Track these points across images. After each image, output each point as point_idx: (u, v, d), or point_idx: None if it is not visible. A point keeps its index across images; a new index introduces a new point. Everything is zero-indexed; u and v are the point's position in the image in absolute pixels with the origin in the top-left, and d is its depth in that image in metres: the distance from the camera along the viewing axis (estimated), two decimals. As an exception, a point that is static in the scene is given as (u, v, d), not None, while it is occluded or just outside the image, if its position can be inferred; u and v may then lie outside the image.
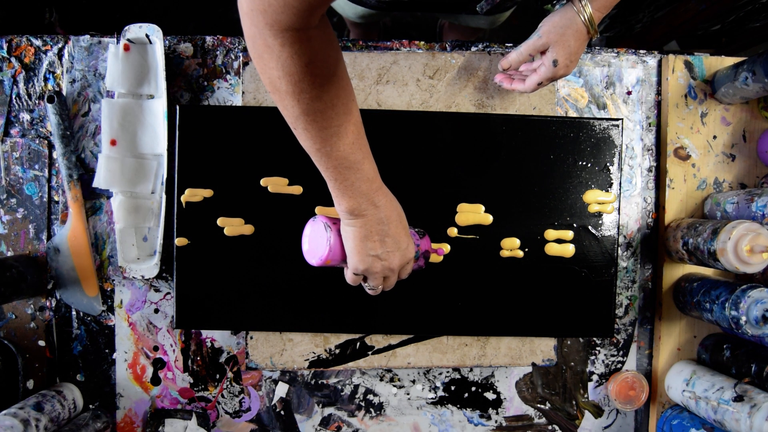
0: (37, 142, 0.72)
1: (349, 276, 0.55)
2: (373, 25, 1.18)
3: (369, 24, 0.85)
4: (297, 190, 0.69)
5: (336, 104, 0.45)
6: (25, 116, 0.73)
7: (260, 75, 0.44)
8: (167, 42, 0.73)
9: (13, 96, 0.73)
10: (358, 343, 0.73)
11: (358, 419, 0.77)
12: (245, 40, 0.43)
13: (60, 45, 0.73)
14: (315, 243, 0.55)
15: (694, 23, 1.27)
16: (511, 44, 0.75)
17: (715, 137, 0.76)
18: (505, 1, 0.63)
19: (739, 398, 0.63)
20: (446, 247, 0.70)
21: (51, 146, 0.73)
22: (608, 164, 0.71)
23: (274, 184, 0.69)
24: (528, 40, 0.64)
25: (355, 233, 0.51)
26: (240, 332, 0.75)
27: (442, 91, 0.73)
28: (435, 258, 0.70)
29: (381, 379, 0.77)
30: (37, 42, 0.73)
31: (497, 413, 0.78)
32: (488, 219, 0.70)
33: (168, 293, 0.74)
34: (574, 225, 0.71)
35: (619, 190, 0.71)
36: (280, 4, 0.37)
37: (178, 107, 0.69)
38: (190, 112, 0.69)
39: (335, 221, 0.55)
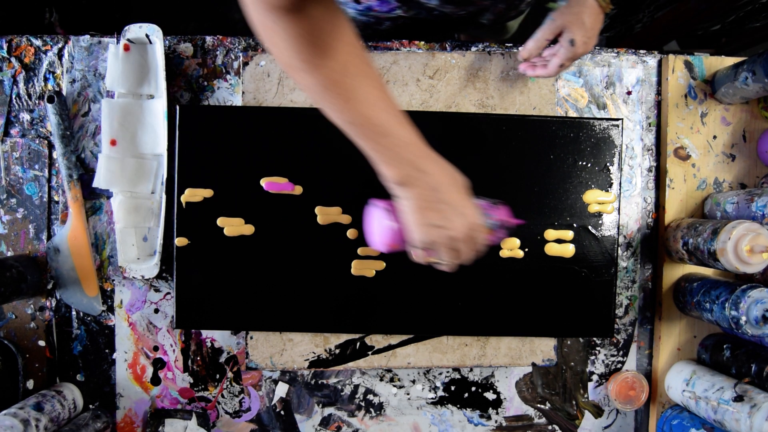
0: (37, 142, 0.72)
1: (415, 253, 0.52)
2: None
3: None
4: (297, 190, 0.69)
5: (349, 70, 0.45)
6: (25, 116, 0.73)
7: (276, 59, 0.45)
8: (167, 42, 0.73)
9: (13, 96, 0.73)
10: (358, 343, 0.73)
11: (358, 419, 0.77)
12: (253, 27, 0.44)
13: (60, 45, 0.73)
14: (378, 230, 0.53)
15: (694, 23, 1.27)
16: (510, 45, 0.74)
17: (715, 137, 0.76)
18: (509, 11, 0.63)
19: (739, 398, 0.63)
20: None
21: (51, 146, 0.73)
22: (608, 164, 0.71)
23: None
24: (542, 25, 0.64)
25: (411, 206, 0.49)
26: (240, 332, 0.75)
27: (442, 91, 0.73)
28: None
29: (381, 379, 0.77)
30: (37, 42, 0.73)
31: (497, 413, 0.78)
32: (488, 219, 0.70)
33: (168, 293, 0.74)
34: (574, 225, 0.71)
35: (619, 190, 0.71)
36: None
37: (178, 107, 0.69)
38: (190, 112, 0.69)
39: (391, 204, 0.53)
